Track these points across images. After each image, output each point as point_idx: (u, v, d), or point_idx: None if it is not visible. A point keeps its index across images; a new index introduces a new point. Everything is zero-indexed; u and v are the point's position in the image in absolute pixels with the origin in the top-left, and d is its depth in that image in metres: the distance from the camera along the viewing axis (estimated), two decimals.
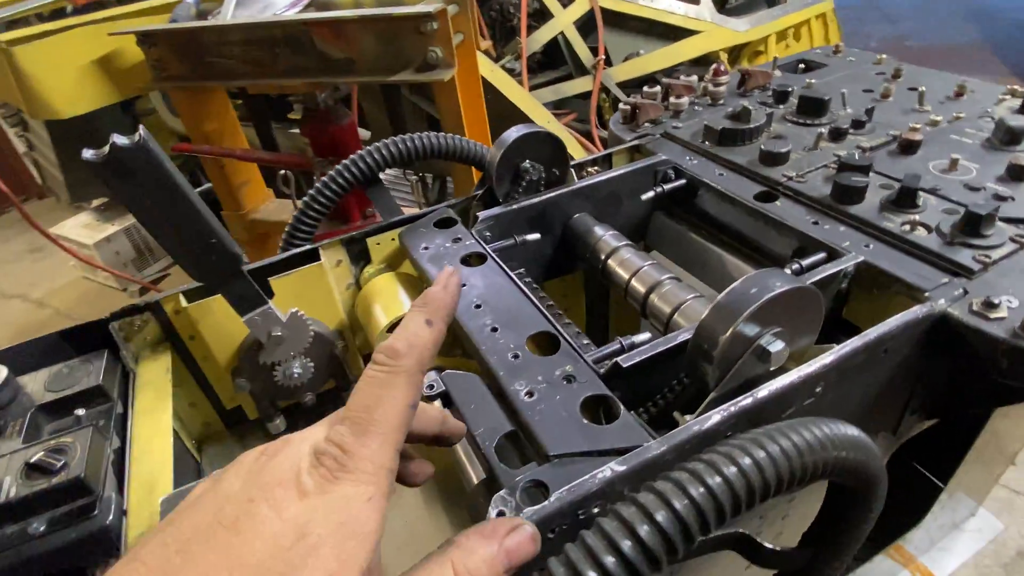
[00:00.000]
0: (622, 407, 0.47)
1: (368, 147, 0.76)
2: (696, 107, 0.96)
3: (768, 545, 0.52)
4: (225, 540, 0.28)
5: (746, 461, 0.35)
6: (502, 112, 1.73)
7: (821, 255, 0.62)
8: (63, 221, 3.42)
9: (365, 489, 0.30)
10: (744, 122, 0.82)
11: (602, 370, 0.50)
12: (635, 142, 0.89)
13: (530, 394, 0.49)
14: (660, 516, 0.30)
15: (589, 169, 0.88)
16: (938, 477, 0.87)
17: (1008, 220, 0.60)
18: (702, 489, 0.33)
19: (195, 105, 1.41)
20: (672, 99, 0.94)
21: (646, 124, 0.92)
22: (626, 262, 0.69)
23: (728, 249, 0.76)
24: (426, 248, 0.70)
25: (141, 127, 0.49)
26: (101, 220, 3.36)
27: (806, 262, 0.61)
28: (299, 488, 0.30)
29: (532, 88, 2.13)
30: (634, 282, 0.67)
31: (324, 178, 0.75)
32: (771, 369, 0.46)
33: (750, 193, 0.73)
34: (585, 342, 0.59)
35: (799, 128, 0.84)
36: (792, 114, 0.87)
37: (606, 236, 0.74)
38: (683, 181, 0.80)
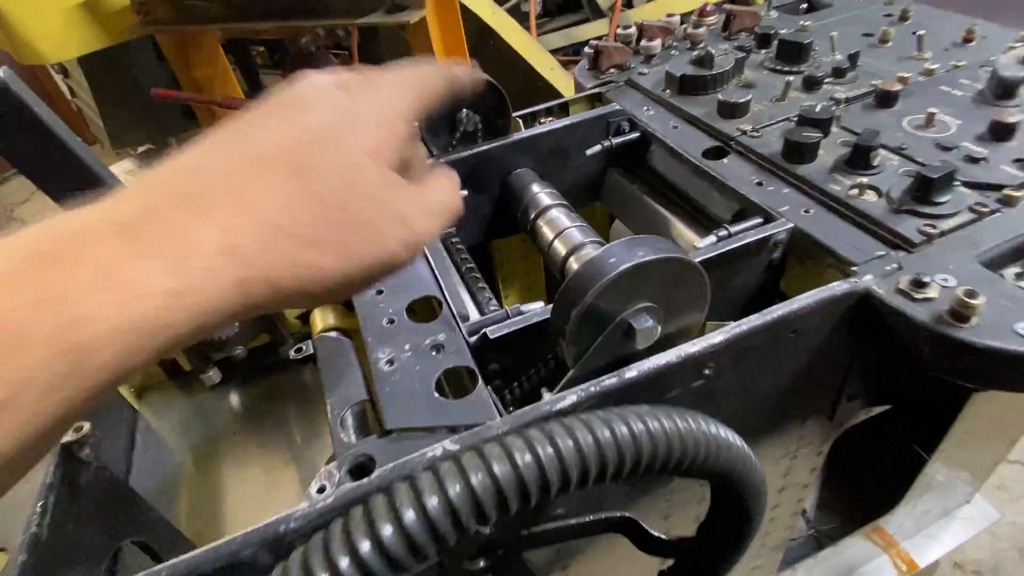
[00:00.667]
0: (480, 381, 0.44)
1: None
2: (673, 51, 0.88)
3: (654, 532, 0.48)
4: (286, 113, 0.31)
5: (548, 450, 0.31)
6: (503, 59, 1.65)
7: (757, 220, 0.56)
8: (109, 167, 3.55)
9: (395, 100, 0.34)
10: (707, 68, 0.73)
11: (472, 340, 0.47)
12: (595, 90, 0.82)
13: (391, 363, 0.46)
14: (408, 517, 0.27)
15: (542, 119, 0.82)
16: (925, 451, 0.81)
17: (973, 185, 0.52)
18: (479, 476, 0.29)
19: (183, 50, 1.39)
20: (644, 42, 0.86)
21: (611, 70, 0.84)
22: (553, 222, 0.64)
23: (675, 211, 0.69)
24: None
25: (2, 68, 0.47)
26: (143, 166, 3.46)
27: (735, 228, 0.55)
28: (344, 86, 0.33)
29: (546, 33, 2.02)
30: (556, 243, 0.63)
31: None
32: (642, 348, 0.42)
33: (700, 148, 0.66)
34: (490, 309, 0.55)
35: (774, 76, 0.75)
36: (771, 60, 0.78)
37: (540, 194, 0.69)
38: (636, 135, 0.73)
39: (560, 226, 0.63)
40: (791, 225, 0.52)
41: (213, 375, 0.79)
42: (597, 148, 0.73)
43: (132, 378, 0.80)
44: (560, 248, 0.62)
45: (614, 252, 0.39)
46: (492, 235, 0.79)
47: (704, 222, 0.67)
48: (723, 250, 0.50)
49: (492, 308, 0.57)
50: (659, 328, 0.41)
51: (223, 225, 0.27)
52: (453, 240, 0.64)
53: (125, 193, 0.27)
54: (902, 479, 0.87)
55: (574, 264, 0.59)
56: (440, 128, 0.72)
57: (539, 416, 0.40)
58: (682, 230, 0.67)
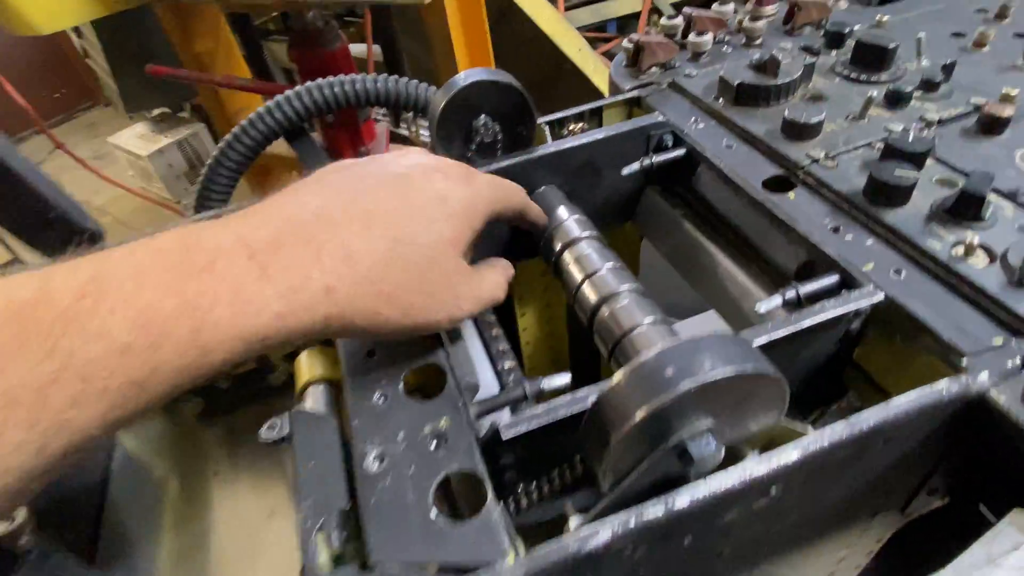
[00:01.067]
0: (490, 495, 0.35)
1: (288, 92, 0.63)
2: (726, 48, 0.76)
3: None
4: (392, 184, 0.38)
5: None
6: (526, 37, 1.52)
7: (832, 279, 0.46)
8: (121, 131, 3.47)
9: (481, 198, 0.42)
10: (770, 75, 0.62)
11: (482, 431, 0.38)
12: (633, 93, 0.71)
13: (380, 459, 0.37)
14: None
15: (572, 127, 0.71)
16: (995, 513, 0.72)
17: None
18: None
19: (184, 23, 1.29)
20: (692, 36, 0.74)
21: (652, 69, 0.73)
22: (582, 260, 0.55)
23: (725, 248, 0.59)
24: None
25: None
26: (156, 131, 3.38)
27: (807, 289, 0.45)
28: (444, 174, 0.41)
29: (573, 8, 1.87)
30: (586, 288, 0.53)
31: (235, 129, 0.62)
32: (698, 478, 0.33)
33: (760, 177, 0.55)
34: (509, 380, 0.46)
35: (849, 86, 0.64)
36: (845, 65, 0.66)
37: (568, 222, 0.59)
38: (681, 151, 0.63)
39: (590, 266, 0.53)
40: (880, 295, 0.42)
41: (194, 404, 0.71)
42: (635, 167, 0.62)
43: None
44: (590, 294, 0.52)
45: (671, 358, 0.30)
46: (509, 258, 0.69)
47: (759, 265, 0.56)
48: (795, 329, 0.40)
49: (510, 371, 0.48)
50: (722, 452, 0.32)
51: (328, 269, 0.33)
52: None
53: (255, 218, 0.34)
54: (961, 539, 0.78)
55: (606, 315, 0.50)
56: (454, 136, 0.62)
57: (564, 558, 0.31)
58: (732, 272, 0.57)
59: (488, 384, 0.47)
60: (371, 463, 0.37)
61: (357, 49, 1.38)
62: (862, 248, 0.47)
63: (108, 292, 0.28)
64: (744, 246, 0.58)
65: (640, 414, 0.29)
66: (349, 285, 0.34)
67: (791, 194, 0.53)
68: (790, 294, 0.45)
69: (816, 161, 0.54)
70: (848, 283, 0.45)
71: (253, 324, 0.30)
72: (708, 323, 1.29)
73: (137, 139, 3.36)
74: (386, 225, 0.36)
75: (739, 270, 0.56)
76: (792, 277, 0.52)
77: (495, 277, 0.45)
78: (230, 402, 0.73)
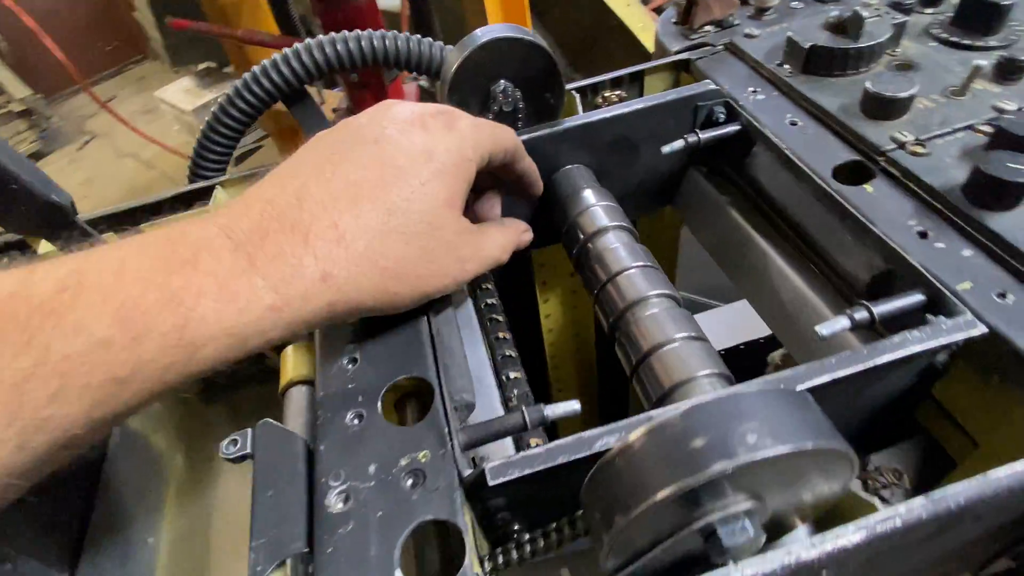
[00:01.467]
0: (468, 558, 0.29)
1: (287, 50, 0.56)
2: (796, 2, 0.65)
3: None
4: (371, 148, 0.35)
5: None
6: None
7: (915, 298, 0.37)
8: (167, 85, 3.49)
9: (469, 145, 0.38)
10: (850, 36, 0.51)
11: (467, 470, 0.32)
12: (682, 55, 0.61)
13: (344, 498, 0.31)
14: None
15: (608, 95, 0.62)
16: None
17: None
18: None
19: None
20: None
21: (706, 27, 0.63)
22: (605, 255, 0.47)
23: (780, 246, 0.50)
24: None
25: None
26: (201, 86, 3.38)
27: (882, 309, 0.36)
28: (423, 125, 0.37)
29: None
30: (610, 289, 0.45)
31: (229, 92, 0.56)
32: (729, 567, 0.25)
33: (830, 163, 0.46)
34: (512, 396, 0.40)
35: (948, 52, 0.53)
36: (943, 26, 0.55)
37: (594, 208, 0.51)
38: (735, 127, 0.53)
39: (617, 264, 0.46)
40: (982, 329, 0.33)
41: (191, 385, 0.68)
42: (679, 145, 0.53)
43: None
44: (615, 297, 0.44)
45: (703, 423, 0.22)
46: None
47: (823, 271, 0.47)
48: (866, 366, 0.32)
49: (514, 383, 0.41)
50: (763, 538, 0.25)
51: (321, 253, 0.31)
52: (489, 303, 0.48)
53: (237, 208, 0.32)
54: None
55: (632, 325, 0.42)
56: (469, 103, 0.54)
57: None
58: (787, 276, 0.49)
59: (488, 399, 0.41)
60: (333, 501, 0.31)
61: (386, 3, 1.29)
62: (957, 260, 0.38)
63: (87, 286, 0.27)
64: (805, 246, 0.49)
65: (658, 496, 0.22)
66: (347, 268, 0.32)
67: (868, 186, 0.44)
68: (860, 315, 0.36)
69: (902, 146, 0.44)
70: (936, 304, 0.36)
71: (243, 320, 0.29)
72: (743, 314, 1.19)
73: (183, 94, 3.36)
74: (374, 196, 0.33)
75: (796, 275, 0.47)
76: (863, 290, 0.43)
77: (499, 237, 0.42)
78: (228, 383, 0.69)
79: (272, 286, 0.30)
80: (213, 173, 0.60)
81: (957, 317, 0.34)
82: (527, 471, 0.30)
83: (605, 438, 0.30)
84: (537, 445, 0.33)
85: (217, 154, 0.59)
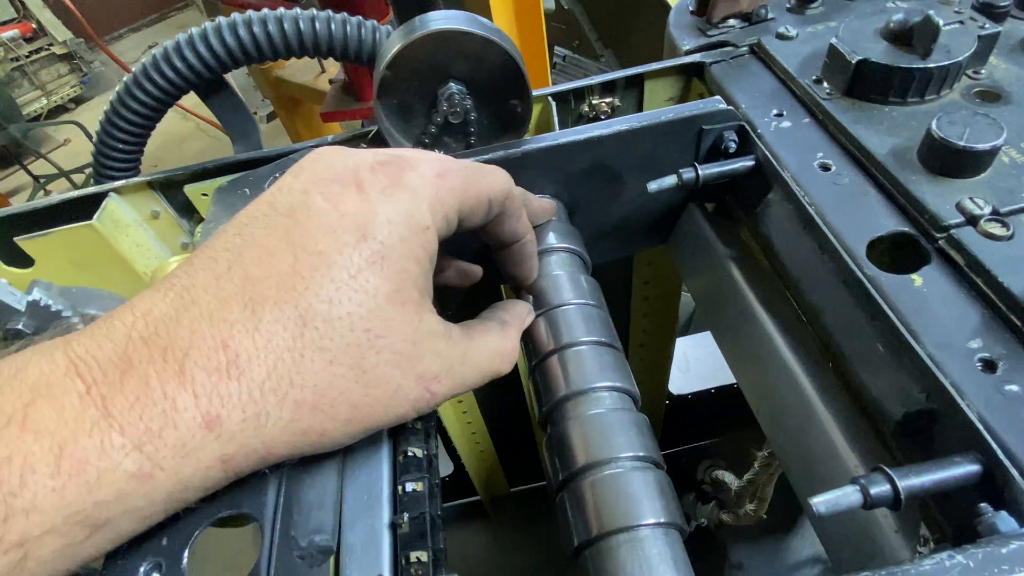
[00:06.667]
0: None
1: (199, 29, 0.45)
2: None
3: None
4: (283, 224, 0.25)
5: None
6: None
7: (966, 468, 0.25)
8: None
9: (425, 207, 0.27)
10: (917, 49, 0.38)
11: None
12: (694, 57, 0.48)
13: None
14: None
15: (597, 102, 0.50)
16: None
17: None
18: None
19: None
20: None
21: (729, 21, 0.49)
22: (549, 323, 0.36)
23: (787, 331, 0.38)
24: None
25: None
26: None
27: (912, 483, 0.24)
28: (357, 185, 0.26)
29: None
30: (552, 361, 0.34)
31: (119, 87, 0.46)
32: None
33: (867, 234, 0.33)
34: (404, 518, 0.30)
35: None
36: None
37: (547, 259, 0.39)
38: (749, 162, 0.41)
39: (557, 338, 0.35)
40: None
41: None
42: (670, 182, 0.41)
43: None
44: (553, 386, 0.34)
45: None
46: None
47: (841, 382, 0.35)
48: None
49: (414, 500, 0.32)
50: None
51: (204, 389, 0.23)
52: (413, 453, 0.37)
53: (101, 329, 0.23)
54: None
55: (569, 431, 0.31)
56: (410, 108, 0.43)
57: None
58: (791, 368, 0.36)
59: (366, 534, 0.31)
60: None
61: None
62: None
63: None
64: (820, 341, 0.37)
65: None
66: (241, 406, 0.23)
67: (917, 276, 0.31)
68: (879, 489, 0.25)
69: (973, 221, 0.31)
70: (994, 486, 0.24)
71: (95, 498, 0.21)
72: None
73: None
74: (281, 298, 0.24)
75: (805, 376, 0.35)
76: (893, 428, 0.31)
77: (493, 341, 0.30)
78: None
79: (135, 444, 0.21)
80: (121, 173, 0.51)
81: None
82: None
83: None
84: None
85: (121, 151, 0.49)
